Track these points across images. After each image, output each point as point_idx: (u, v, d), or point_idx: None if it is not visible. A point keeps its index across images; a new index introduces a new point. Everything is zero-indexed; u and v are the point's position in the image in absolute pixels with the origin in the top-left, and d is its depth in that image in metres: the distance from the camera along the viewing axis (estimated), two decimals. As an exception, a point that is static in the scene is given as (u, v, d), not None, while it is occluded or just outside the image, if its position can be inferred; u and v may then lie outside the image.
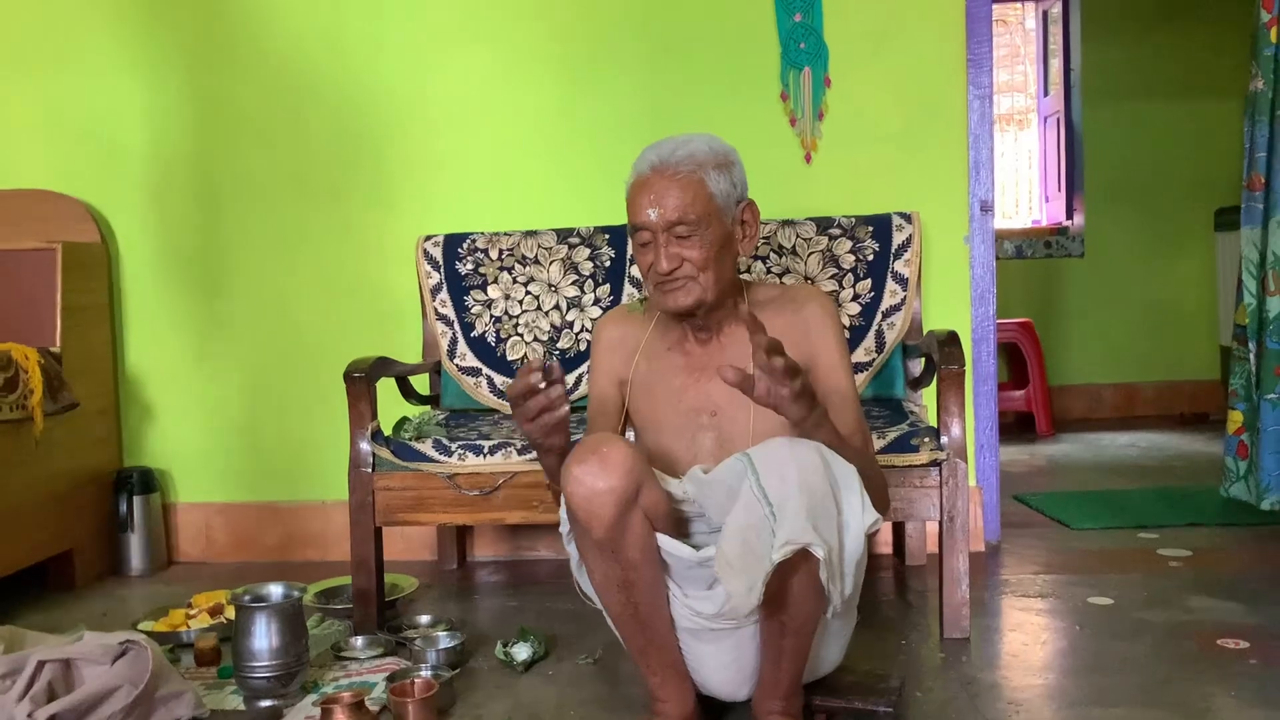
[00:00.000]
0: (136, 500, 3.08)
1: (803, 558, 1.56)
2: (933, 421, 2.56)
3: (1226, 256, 4.81)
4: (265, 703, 2.02)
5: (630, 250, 2.86)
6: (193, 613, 2.52)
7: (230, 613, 2.47)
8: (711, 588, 1.69)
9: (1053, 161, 5.77)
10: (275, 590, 2.10)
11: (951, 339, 2.37)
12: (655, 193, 1.75)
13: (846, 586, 1.64)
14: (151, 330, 3.23)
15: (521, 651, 2.22)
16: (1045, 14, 5.82)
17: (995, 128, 5.32)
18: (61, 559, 2.95)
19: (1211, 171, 5.25)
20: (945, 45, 2.99)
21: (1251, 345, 2.87)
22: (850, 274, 2.76)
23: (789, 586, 1.62)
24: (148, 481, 3.12)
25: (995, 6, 5.55)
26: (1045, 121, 5.87)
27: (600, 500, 1.62)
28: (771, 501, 1.57)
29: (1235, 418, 2.95)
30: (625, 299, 2.83)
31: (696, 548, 1.68)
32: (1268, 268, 2.81)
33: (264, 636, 2.00)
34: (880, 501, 1.73)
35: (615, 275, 2.85)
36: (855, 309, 2.73)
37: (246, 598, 2.07)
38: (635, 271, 2.85)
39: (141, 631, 2.34)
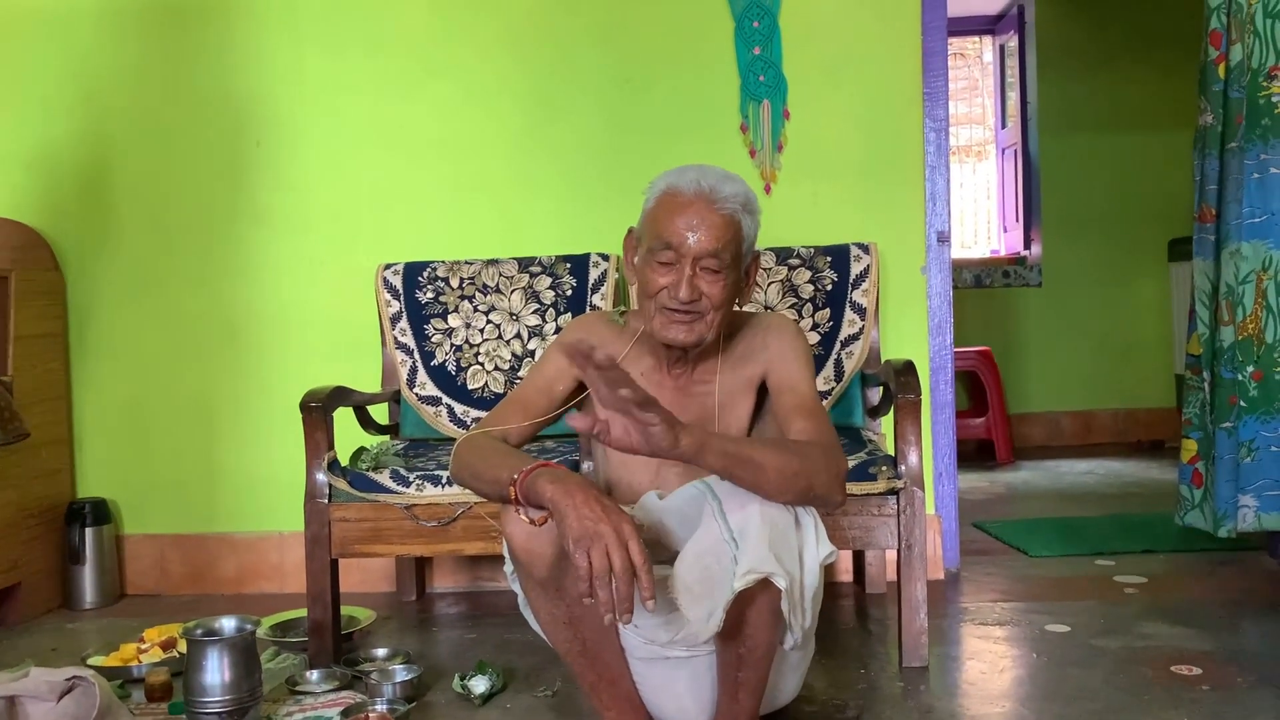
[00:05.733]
0: (89, 532, 3.03)
1: (762, 588, 1.56)
2: (891, 450, 2.58)
3: (1180, 286, 4.89)
4: (216, 739, 1.99)
5: (592, 278, 2.86)
6: (144, 647, 2.48)
7: (182, 647, 2.43)
8: (668, 616, 1.67)
9: (1010, 192, 5.85)
10: (228, 623, 2.07)
11: (908, 368, 2.39)
12: (699, 218, 1.70)
13: (806, 619, 1.63)
14: (107, 360, 3.19)
15: (479, 684, 2.20)
16: (1002, 48, 5.92)
17: (954, 159, 5.41)
18: (10, 592, 2.89)
19: (1165, 203, 5.34)
20: (902, 79, 3.03)
21: (1205, 374, 2.91)
22: (809, 304, 2.78)
23: (747, 617, 1.62)
24: (100, 513, 3.07)
25: (953, 40, 5.64)
26: (1003, 153, 5.96)
27: (540, 539, 1.60)
28: (733, 528, 1.57)
29: (1189, 446, 2.98)
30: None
31: None
32: (1220, 298, 2.86)
33: (216, 671, 1.97)
34: (834, 485, 1.64)
35: (577, 304, 2.85)
36: (814, 338, 2.75)
37: (198, 631, 2.04)
38: (598, 300, 2.85)
39: (91, 666, 2.31)
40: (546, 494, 1.51)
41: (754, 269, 1.83)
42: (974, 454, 5.17)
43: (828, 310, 2.77)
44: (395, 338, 2.89)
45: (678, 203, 1.71)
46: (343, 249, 3.13)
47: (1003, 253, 5.91)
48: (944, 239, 3.06)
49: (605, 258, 2.89)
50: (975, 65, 6.41)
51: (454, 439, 2.79)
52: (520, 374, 2.82)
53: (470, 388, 2.83)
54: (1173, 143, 5.24)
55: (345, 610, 2.60)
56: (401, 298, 2.90)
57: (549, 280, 2.88)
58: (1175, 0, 5.21)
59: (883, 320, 2.97)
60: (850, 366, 2.74)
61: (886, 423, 2.84)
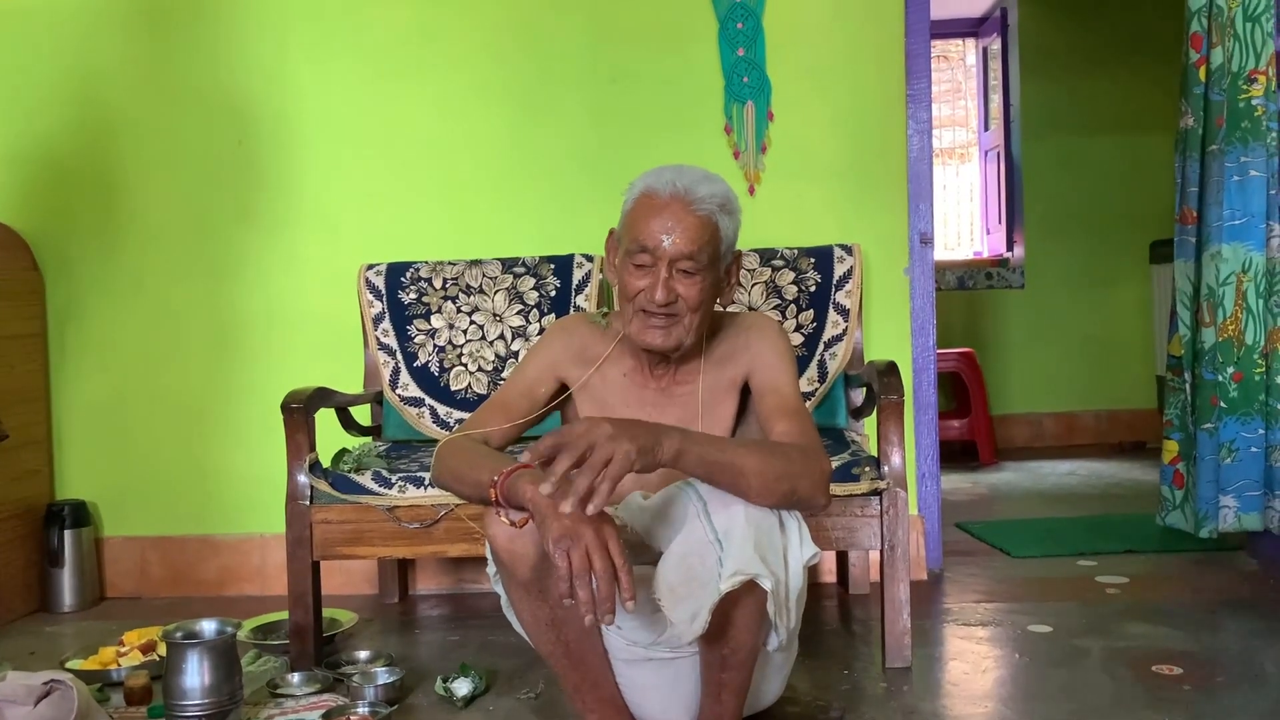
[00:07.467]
0: (68, 534, 3.00)
1: (747, 590, 1.56)
2: (874, 451, 2.58)
3: (1162, 288, 4.92)
4: (197, 742, 1.98)
5: (576, 279, 2.85)
6: (123, 650, 2.45)
7: (162, 650, 2.41)
8: (651, 617, 1.67)
9: (993, 194, 5.87)
10: (208, 626, 2.06)
11: (891, 369, 2.39)
12: (673, 220, 1.69)
13: (791, 620, 1.63)
14: (87, 360, 3.16)
15: (462, 687, 2.19)
16: (985, 50, 5.94)
17: (937, 161, 5.43)
18: (-12, 595, 2.88)
19: (1147, 205, 5.37)
20: (885, 81, 3.03)
21: (1187, 375, 2.93)
22: (793, 305, 2.78)
23: (731, 618, 1.62)
24: (80, 515, 3.04)
25: (936, 43, 5.67)
26: (986, 155, 5.98)
27: (523, 540, 1.60)
28: (717, 529, 1.56)
29: (1170, 447, 3.01)
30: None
31: None
32: (1201, 299, 2.88)
33: (196, 674, 1.96)
34: (818, 487, 1.64)
35: (560, 305, 2.85)
36: (798, 339, 2.75)
37: (178, 634, 2.03)
38: (581, 301, 2.85)
39: (69, 670, 2.28)
40: (527, 495, 1.50)
41: (735, 269, 1.82)
42: (957, 455, 5.19)
43: (811, 311, 2.77)
44: (378, 338, 2.87)
45: (653, 205, 1.71)
46: (326, 249, 3.11)
47: (985, 254, 5.94)
48: (927, 241, 3.06)
49: (589, 258, 2.89)
50: (958, 68, 6.43)
51: (437, 440, 2.78)
52: (503, 375, 2.81)
53: (453, 389, 2.82)
54: (1154, 145, 5.27)
55: (327, 613, 2.59)
56: (384, 298, 2.89)
57: (533, 281, 2.87)
58: (1157, 4, 5.25)
59: (866, 322, 2.98)
60: (834, 368, 2.74)
61: (870, 424, 2.84)
